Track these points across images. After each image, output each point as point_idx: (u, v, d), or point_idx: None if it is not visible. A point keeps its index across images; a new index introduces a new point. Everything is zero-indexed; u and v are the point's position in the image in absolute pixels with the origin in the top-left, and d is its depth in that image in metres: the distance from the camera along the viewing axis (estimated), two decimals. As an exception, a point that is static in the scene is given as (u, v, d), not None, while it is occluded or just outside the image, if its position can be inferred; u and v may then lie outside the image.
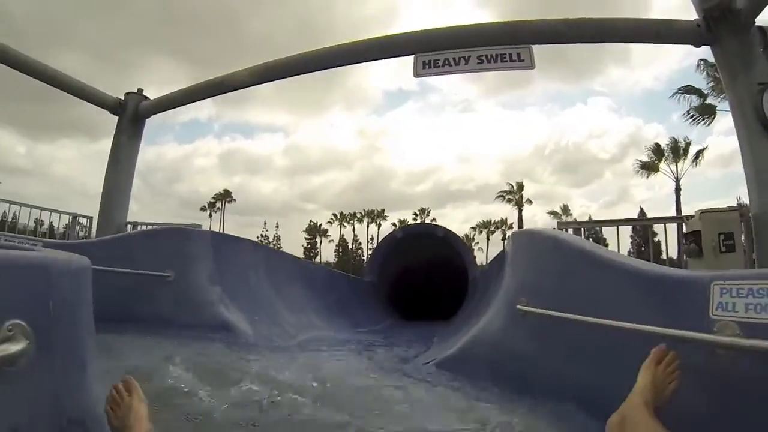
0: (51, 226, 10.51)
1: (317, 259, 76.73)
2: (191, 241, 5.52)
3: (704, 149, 39.97)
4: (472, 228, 76.98)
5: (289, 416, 2.69)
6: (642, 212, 62.02)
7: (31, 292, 1.18)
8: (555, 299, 2.97)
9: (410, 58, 6.88)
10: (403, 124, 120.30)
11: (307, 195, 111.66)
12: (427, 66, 6.80)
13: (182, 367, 3.31)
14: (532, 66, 6.55)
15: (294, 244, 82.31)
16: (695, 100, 28.13)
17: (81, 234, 9.45)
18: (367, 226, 79.15)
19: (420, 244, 12.74)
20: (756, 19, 5.65)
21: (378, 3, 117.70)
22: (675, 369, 1.91)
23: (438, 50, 6.84)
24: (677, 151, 40.66)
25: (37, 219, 9.53)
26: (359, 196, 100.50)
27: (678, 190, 41.66)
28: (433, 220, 74.03)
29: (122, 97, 9.03)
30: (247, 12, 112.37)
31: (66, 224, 9.56)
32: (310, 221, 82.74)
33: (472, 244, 72.48)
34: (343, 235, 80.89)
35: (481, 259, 69.26)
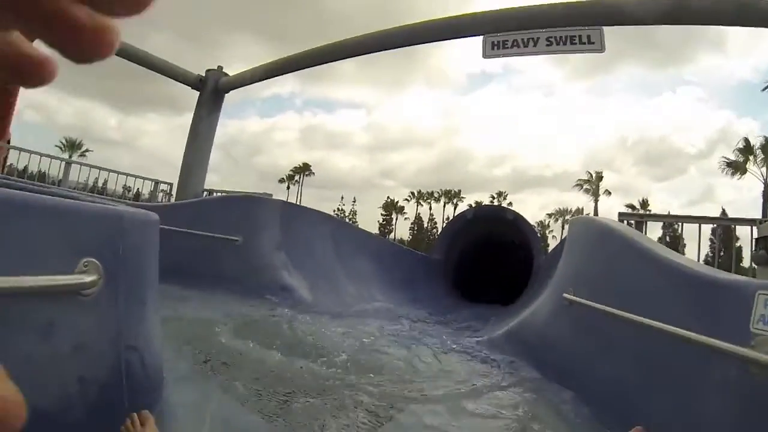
0: (137, 192, 11.25)
1: (392, 236, 77.33)
2: (261, 209, 5.89)
3: None
4: (548, 215, 75.35)
5: (321, 378, 2.88)
6: (724, 214, 58.18)
7: (105, 236, 1.42)
8: (599, 290, 2.98)
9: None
10: (484, 106, 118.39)
11: (386, 172, 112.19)
12: (496, 47, 6.77)
13: (236, 322, 3.65)
14: (602, 49, 6.36)
15: (370, 220, 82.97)
16: None
17: (163, 199, 10.17)
18: (444, 206, 78.80)
19: (489, 226, 12.68)
20: None
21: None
22: None
23: (507, 31, 6.78)
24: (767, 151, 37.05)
25: (124, 185, 10.23)
26: (437, 176, 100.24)
27: (766, 192, 38.61)
28: (510, 204, 72.80)
29: (203, 74, 9.54)
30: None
31: (150, 191, 10.33)
32: (388, 198, 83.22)
33: (547, 232, 70.99)
34: (419, 214, 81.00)
35: (553, 246, 66.57)
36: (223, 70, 9.63)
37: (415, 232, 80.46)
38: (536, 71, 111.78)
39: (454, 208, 76.56)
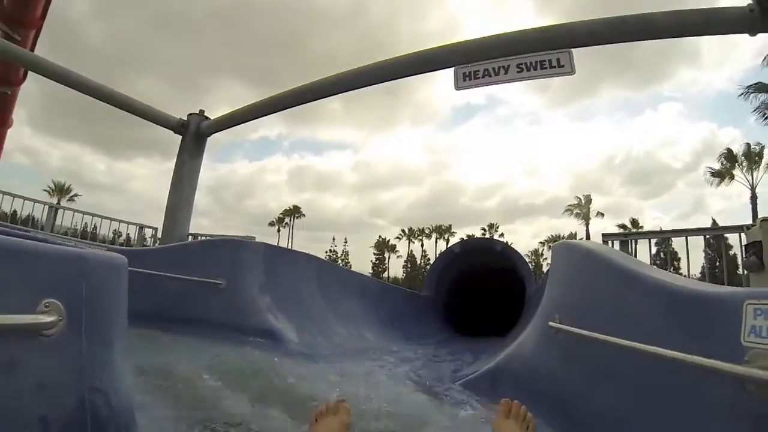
0: (128, 236, 11.33)
1: (385, 275, 77.83)
2: (243, 252, 5.85)
3: None
4: (541, 243, 76.02)
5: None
6: (714, 224, 58.84)
7: (67, 278, 1.42)
8: (584, 316, 2.93)
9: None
10: (471, 139, 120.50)
11: (377, 210, 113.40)
12: (467, 78, 6.90)
13: (220, 368, 3.60)
14: (572, 71, 6.48)
15: (363, 260, 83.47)
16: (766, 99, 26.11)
17: (153, 243, 10.24)
18: (436, 242, 79.55)
19: (479, 259, 12.72)
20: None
21: (439, 16, 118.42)
22: (527, 419, 2.01)
23: (478, 61, 6.91)
24: (751, 157, 37.87)
25: (115, 230, 10.31)
26: (428, 212, 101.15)
27: (754, 198, 39.69)
28: (501, 235, 73.69)
29: (185, 118, 9.66)
30: (309, 33, 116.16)
31: (137, 234, 10.53)
32: (379, 237, 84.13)
33: (541, 260, 71.51)
34: (411, 251, 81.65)
35: None
36: (205, 114, 9.75)
37: (408, 269, 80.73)
38: (519, 100, 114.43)
39: (446, 243, 76.89)
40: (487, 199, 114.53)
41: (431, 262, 78.56)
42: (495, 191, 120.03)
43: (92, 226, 10.84)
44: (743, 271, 5.67)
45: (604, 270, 2.91)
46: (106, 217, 9.91)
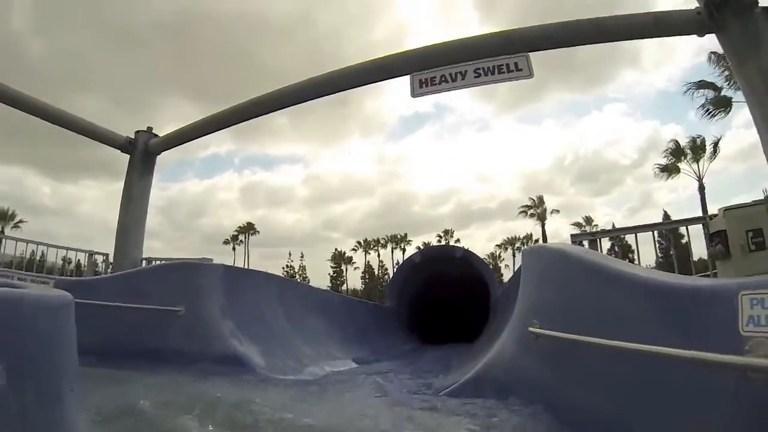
0: (78, 263, 10.79)
1: (344, 287, 77.26)
2: (201, 275, 5.55)
3: (719, 141, 39.43)
4: (497, 246, 76.88)
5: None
6: (666, 216, 61.04)
7: (4, 326, 1.20)
8: (566, 320, 2.85)
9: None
10: (421, 148, 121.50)
11: (330, 223, 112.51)
12: (424, 84, 6.83)
13: (187, 405, 3.30)
14: (530, 74, 6.51)
15: (320, 274, 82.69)
16: (710, 95, 27.74)
17: (106, 270, 9.74)
18: (392, 252, 79.39)
19: (439, 266, 12.64)
20: (759, 1, 5.54)
21: (385, 26, 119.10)
22: None
23: (435, 67, 6.84)
24: (696, 149, 40.16)
25: (64, 257, 9.79)
26: (382, 222, 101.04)
27: (702, 189, 41.20)
28: (458, 240, 74.01)
29: (132, 136, 9.25)
30: (257, 47, 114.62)
31: (88, 260, 10.00)
32: (335, 250, 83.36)
33: (499, 263, 72.57)
34: (368, 262, 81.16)
35: (508, 276, 68.89)
36: (153, 131, 9.37)
37: (366, 281, 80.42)
38: (467, 107, 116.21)
39: (403, 252, 77.15)
40: (440, 206, 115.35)
41: (389, 272, 78.66)
42: (448, 197, 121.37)
43: (39, 254, 10.24)
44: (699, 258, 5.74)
45: (585, 271, 2.82)
46: (52, 245, 9.31)
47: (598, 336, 2.30)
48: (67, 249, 9.32)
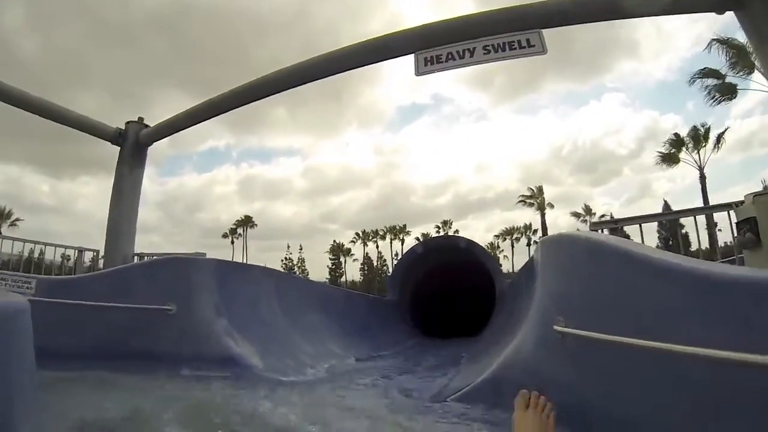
0: (76, 260, 10.61)
1: (343, 279, 78.01)
2: (194, 271, 5.19)
3: (725, 131, 40.51)
4: (496, 236, 77.61)
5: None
6: (666, 205, 61.98)
7: None
8: (597, 317, 2.54)
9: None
10: (418, 138, 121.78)
11: (328, 215, 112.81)
12: (429, 63, 6.48)
13: (178, 410, 2.99)
14: (543, 50, 6.17)
15: (319, 265, 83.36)
16: (713, 83, 28.29)
17: (97, 267, 9.53)
18: (391, 243, 79.81)
19: (442, 258, 12.34)
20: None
21: (381, 16, 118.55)
22: (546, 409, 1.98)
23: (440, 45, 6.49)
24: (698, 138, 41.16)
25: (63, 254, 9.53)
26: (380, 213, 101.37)
27: (702, 178, 42.03)
28: (456, 231, 74.40)
29: (123, 127, 8.91)
30: (253, 40, 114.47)
31: (92, 257, 9.95)
32: (334, 241, 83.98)
33: (497, 253, 73.05)
34: (367, 254, 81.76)
35: (507, 267, 69.64)
36: (145, 122, 9.02)
37: (365, 272, 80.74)
38: (464, 98, 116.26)
39: (402, 243, 77.78)
40: (438, 197, 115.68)
41: (388, 263, 79.07)
42: (446, 188, 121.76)
43: (38, 253, 10.31)
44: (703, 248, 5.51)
45: (625, 263, 2.44)
46: (39, 242, 9.05)
47: (635, 335, 2.01)
48: (56, 246, 8.97)
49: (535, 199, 69.57)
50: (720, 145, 40.76)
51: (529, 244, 73.57)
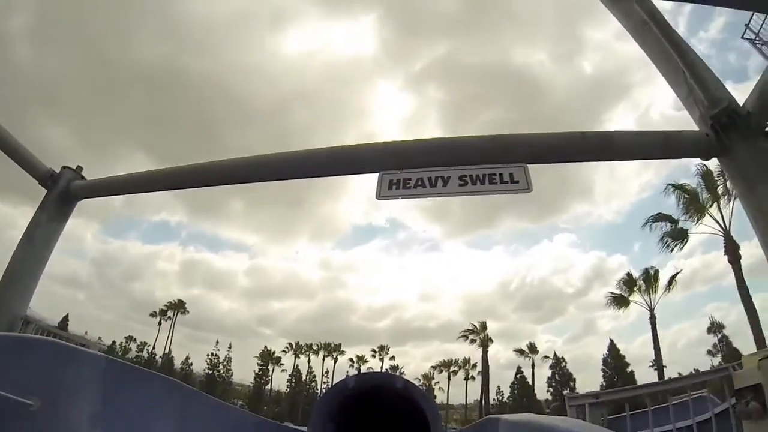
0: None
1: (268, 387, 74.75)
2: (72, 363, 3.97)
3: (677, 274, 43.87)
4: (433, 367, 77.20)
5: None
6: (612, 344, 63.40)
7: None
8: None
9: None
10: (368, 259, 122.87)
11: (265, 319, 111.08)
12: (394, 186, 5.86)
13: None
14: (528, 188, 5.73)
15: (245, 368, 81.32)
16: (666, 228, 31.40)
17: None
18: (323, 359, 78.25)
19: (375, 396, 11.17)
20: (768, 123, 5.45)
21: (357, 132, 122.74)
22: None
23: (410, 168, 5.96)
24: (649, 280, 43.69)
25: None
26: (317, 327, 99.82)
27: (653, 318, 44.66)
28: (392, 357, 73.86)
29: (57, 170, 8.00)
30: (227, 122, 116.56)
31: None
32: (265, 347, 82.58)
33: (432, 384, 72.01)
34: (297, 366, 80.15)
35: (441, 398, 68.70)
36: (82, 173, 8.11)
37: (293, 384, 78.65)
38: (420, 226, 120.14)
39: (334, 362, 76.50)
40: (379, 320, 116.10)
41: (317, 379, 76.41)
42: (388, 313, 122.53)
43: None
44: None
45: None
46: None
47: None
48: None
49: (478, 334, 70.35)
50: (672, 287, 43.93)
51: (466, 378, 72.95)
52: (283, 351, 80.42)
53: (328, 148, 6.56)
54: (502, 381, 78.03)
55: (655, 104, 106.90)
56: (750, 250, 31.78)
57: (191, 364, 79.97)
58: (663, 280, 45.18)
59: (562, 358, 69.70)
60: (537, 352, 69.43)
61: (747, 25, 17.23)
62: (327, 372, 77.56)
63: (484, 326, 70.89)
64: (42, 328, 8.40)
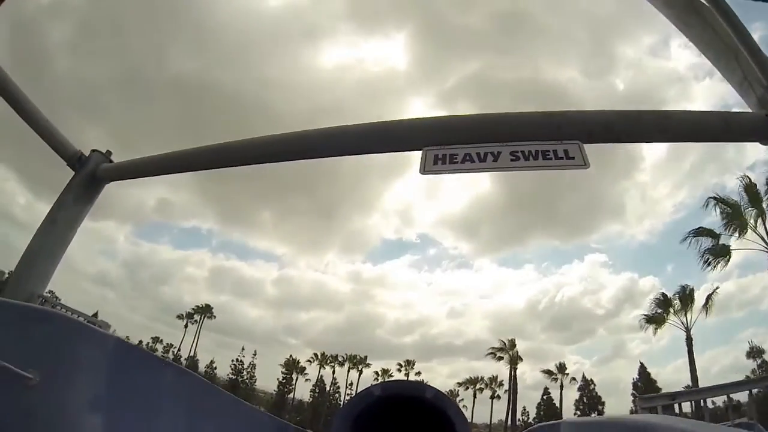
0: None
1: (291, 396, 75.15)
2: (79, 339, 3.79)
3: (714, 290, 41.78)
4: (458, 384, 76.45)
5: None
6: (642, 367, 61.26)
7: None
8: None
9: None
10: (397, 274, 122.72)
11: (291, 329, 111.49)
12: (440, 161, 5.58)
13: None
14: (585, 164, 5.38)
15: (269, 376, 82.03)
16: (707, 245, 29.86)
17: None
18: (348, 371, 78.38)
19: (401, 406, 10.82)
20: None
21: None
22: None
23: (456, 144, 5.66)
24: (685, 299, 41.87)
25: None
26: (343, 338, 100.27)
27: (689, 339, 43.82)
28: (418, 373, 73.51)
29: (87, 153, 8.00)
30: (261, 125, 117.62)
31: None
32: (290, 356, 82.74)
33: (457, 400, 70.66)
34: (321, 376, 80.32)
35: (466, 416, 66.60)
36: (111, 157, 8.08)
37: (316, 394, 78.98)
38: (450, 243, 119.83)
39: (359, 374, 76.41)
40: (405, 335, 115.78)
41: (341, 390, 76.20)
42: (414, 328, 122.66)
43: None
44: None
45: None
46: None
47: None
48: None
49: (506, 352, 69.34)
50: (710, 306, 42.20)
51: (492, 397, 71.97)
52: (308, 361, 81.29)
53: (368, 123, 6.30)
54: (527, 401, 76.66)
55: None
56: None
57: (215, 367, 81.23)
58: (698, 303, 43.54)
59: (591, 380, 68.16)
60: (566, 372, 68.00)
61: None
62: (351, 384, 77.66)
63: (513, 344, 69.87)
64: (60, 306, 8.41)
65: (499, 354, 69.43)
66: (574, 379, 68.50)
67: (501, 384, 71.69)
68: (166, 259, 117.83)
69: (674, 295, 44.09)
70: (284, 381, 79.94)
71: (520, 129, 5.78)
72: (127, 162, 8.04)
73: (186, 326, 78.64)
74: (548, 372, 68.26)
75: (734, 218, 27.06)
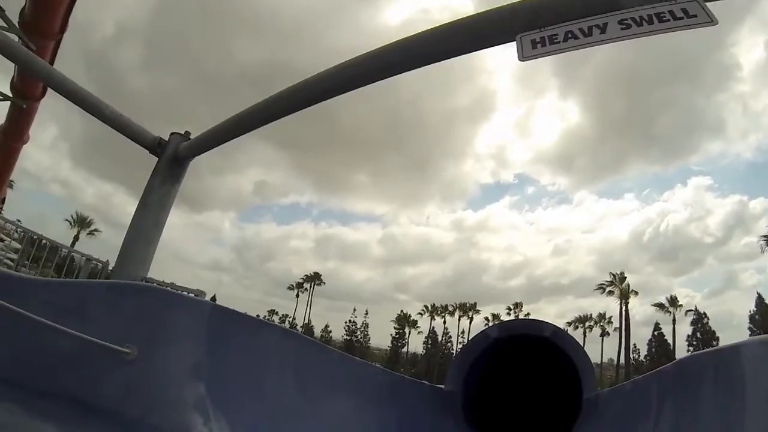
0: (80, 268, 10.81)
1: (405, 350, 76.75)
2: (175, 309, 3.83)
3: None
4: (568, 323, 74.48)
5: None
6: (761, 298, 56.43)
7: None
8: None
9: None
10: (499, 218, 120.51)
11: (400, 285, 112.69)
12: (539, 44, 5.05)
13: None
14: (712, 21, 4.57)
15: (382, 333, 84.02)
16: None
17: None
18: (459, 320, 78.60)
19: (519, 346, 10.45)
20: None
21: (469, 94, 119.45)
22: None
23: (554, 24, 5.06)
24: None
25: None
26: (451, 289, 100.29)
27: None
28: (527, 314, 72.38)
29: (166, 138, 8.25)
30: (340, 107, 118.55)
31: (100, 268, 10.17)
32: (401, 311, 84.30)
33: None
34: (433, 327, 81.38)
35: None
36: (190, 135, 8.15)
37: (429, 346, 79.99)
38: (548, 179, 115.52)
39: (470, 321, 76.82)
40: (511, 279, 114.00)
41: (452, 339, 76.94)
42: (520, 270, 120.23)
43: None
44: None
45: None
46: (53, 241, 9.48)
47: None
48: (70, 250, 8.90)
49: (616, 286, 66.06)
50: None
51: (602, 335, 69.72)
52: (419, 314, 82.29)
53: (444, 25, 5.71)
54: (637, 339, 72.05)
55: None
56: None
57: (330, 331, 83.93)
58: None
59: (704, 313, 63.54)
60: (679, 306, 64.14)
61: None
62: (463, 332, 77.82)
63: (623, 277, 66.62)
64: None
65: (609, 288, 66.48)
66: (690, 311, 64.03)
67: (610, 321, 68.99)
68: (272, 237, 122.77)
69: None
70: (397, 336, 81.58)
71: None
72: (203, 134, 8.10)
73: (297, 296, 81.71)
74: (660, 305, 64.56)
75: None
